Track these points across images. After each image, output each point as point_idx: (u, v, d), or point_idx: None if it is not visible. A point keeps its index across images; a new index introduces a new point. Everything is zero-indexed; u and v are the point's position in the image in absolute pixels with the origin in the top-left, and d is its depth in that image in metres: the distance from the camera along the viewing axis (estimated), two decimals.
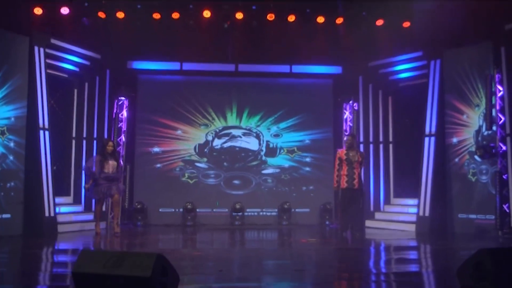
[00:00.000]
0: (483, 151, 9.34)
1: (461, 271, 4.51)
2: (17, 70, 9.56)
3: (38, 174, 9.55)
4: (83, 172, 9.97)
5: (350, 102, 12.12)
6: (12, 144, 9.41)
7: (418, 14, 10.68)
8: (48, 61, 10.15)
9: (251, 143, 12.21)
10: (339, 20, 11.59)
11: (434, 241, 8.84)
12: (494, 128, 9.44)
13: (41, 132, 9.68)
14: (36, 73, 9.74)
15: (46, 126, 9.76)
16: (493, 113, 9.42)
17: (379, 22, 11.40)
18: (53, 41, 10.23)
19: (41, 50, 9.88)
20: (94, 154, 10.51)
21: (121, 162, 9.88)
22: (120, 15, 11.19)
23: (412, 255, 7.48)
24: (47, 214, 9.51)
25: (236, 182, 12.10)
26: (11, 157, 9.39)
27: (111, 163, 9.38)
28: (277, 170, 12.18)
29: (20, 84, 9.59)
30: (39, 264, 6.38)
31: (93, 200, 9.97)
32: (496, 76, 9.44)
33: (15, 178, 9.43)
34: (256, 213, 11.97)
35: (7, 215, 9.26)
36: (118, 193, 9.47)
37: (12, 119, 9.46)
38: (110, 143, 9.63)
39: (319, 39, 11.61)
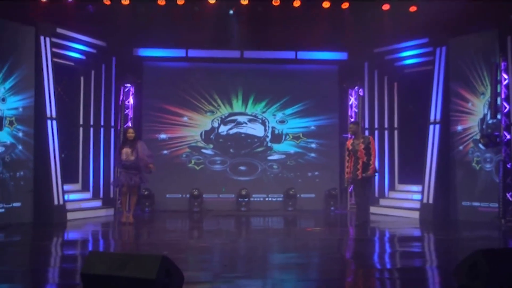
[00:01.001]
0: (487, 140, 9.36)
1: (457, 271, 4.62)
2: (23, 61, 9.66)
3: (47, 163, 9.71)
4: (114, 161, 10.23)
5: (356, 88, 12.13)
6: (20, 134, 9.57)
7: (424, 1, 10.61)
8: (54, 49, 10.22)
9: (257, 130, 12.29)
10: (345, 5, 11.51)
11: (437, 231, 8.93)
12: (498, 116, 9.43)
13: (49, 121, 9.80)
14: (42, 63, 9.82)
15: (54, 115, 9.88)
16: (498, 102, 9.41)
17: (385, 7, 11.31)
18: (58, 30, 10.28)
19: (47, 39, 9.94)
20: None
21: (144, 150, 9.40)
22: (125, 1, 11.18)
23: (415, 247, 7.50)
24: (56, 202, 9.70)
25: (242, 168, 12.22)
26: (20, 147, 9.56)
27: (125, 150, 9.31)
28: (283, 156, 12.28)
29: (27, 74, 9.70)
30: (48, 260, 6.54)
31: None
32: (502, 64, 9.42)
33: (24, 167, 9.62)
34: (261, 199, 12.12)
35: (18, 204, 9.48)
36: (135, 183, 9.33)
37: (20, 109, 9.60)
38: (130, 130, 9.59)
39: (324, 25, 11.54)
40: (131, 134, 9.47)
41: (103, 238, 8.56)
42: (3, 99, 9.33)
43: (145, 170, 9.34)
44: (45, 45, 9.89)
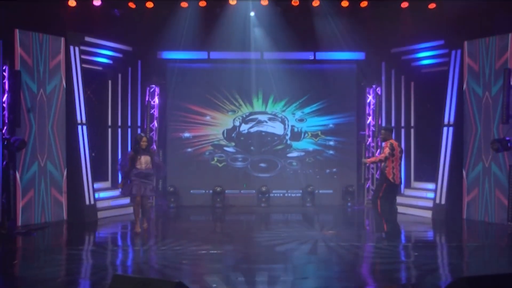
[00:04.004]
0: (498, 144, 9.57)
1: None
2: (55, 70, 10.29)
3: (78, 166, 10.44)
4: (119, 169, 9.97)
5: (373, 86, 12.39)
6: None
7: (441, 2, 10.73)
8: (83, 56, 10.85)
9: (277, 128, 12.74)
10: (364, 4, 11.67)
11: (448, 236, 9.35)
12: (510, 121, 9.61)
13: (79, 126, 10.49)
14: (72, 72, 10.46)
15: (84, 121, 10.55)
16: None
17: (404, 4, 11.43)
18: (87, 38, 10.90)
19: (76, 49, 10.55)
20: (129, 149, 11.19)
21: (159, 158, 9.49)
22: (149, 4, 11.62)
23: (422, 258, 7.42)
24: (87, 202, 10.46)
25: (262, 165, 12.74)
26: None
27: (143, 159, 8.87)
28: (302, 154, 12.73)
29: (59, 83, 10.35)
30: (79, 270, 7.17)
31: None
32: None
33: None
34: (281, 195, 12.64)
35: None
36: (149, 193, 9.06)
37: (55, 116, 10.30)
38: (144, 139, 8.96)
39: (343, 25, 11.76)
40: (145, 142, 8.95)
41: (130, 244, 9.01)
42: None
43: (159, 177, 9.19)
44: (74, 54, 10.51)
